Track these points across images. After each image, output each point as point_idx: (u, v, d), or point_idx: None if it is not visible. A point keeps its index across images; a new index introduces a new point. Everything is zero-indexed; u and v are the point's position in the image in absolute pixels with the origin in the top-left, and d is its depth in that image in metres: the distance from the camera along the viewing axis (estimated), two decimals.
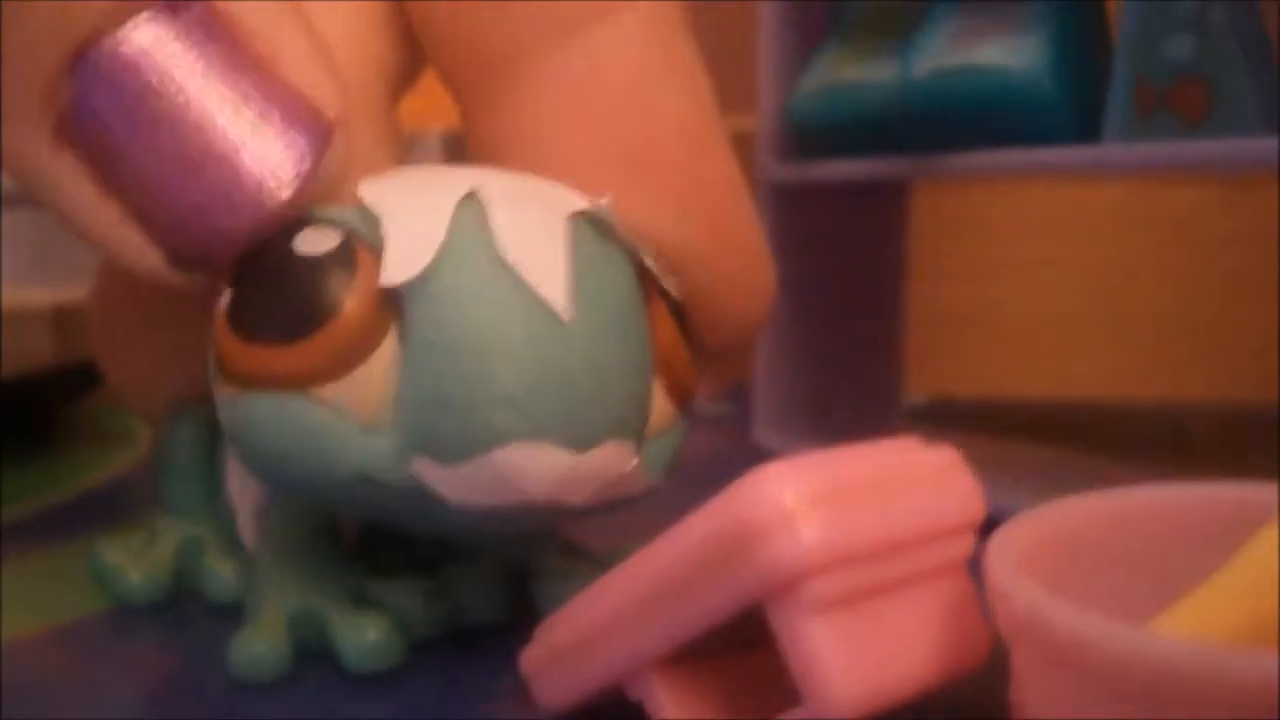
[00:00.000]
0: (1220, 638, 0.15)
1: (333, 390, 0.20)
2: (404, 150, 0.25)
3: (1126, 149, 0.29)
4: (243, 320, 0.21)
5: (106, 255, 0.21)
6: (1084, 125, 0.31)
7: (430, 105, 0.32)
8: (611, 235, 0.22)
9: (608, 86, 0.23)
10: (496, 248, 0.20)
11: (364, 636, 0.23)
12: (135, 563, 0.27)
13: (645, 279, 0.22)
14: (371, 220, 0.21)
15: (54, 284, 0.50)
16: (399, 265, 0.20)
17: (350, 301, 0.20)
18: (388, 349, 0.20)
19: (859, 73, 0.37)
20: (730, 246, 0.24)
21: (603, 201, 0.22)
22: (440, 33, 0.24)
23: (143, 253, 0.21)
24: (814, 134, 0.39)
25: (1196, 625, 0.16)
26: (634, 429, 0.21)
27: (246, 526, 0.25)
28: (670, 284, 0.23)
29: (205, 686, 0.22)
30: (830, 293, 0.42)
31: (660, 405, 0.22)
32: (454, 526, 0.22)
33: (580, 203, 0.21)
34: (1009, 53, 0.32)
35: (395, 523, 0.23)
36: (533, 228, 0.20)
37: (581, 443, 0.20)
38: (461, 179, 0.21)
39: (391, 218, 0.21)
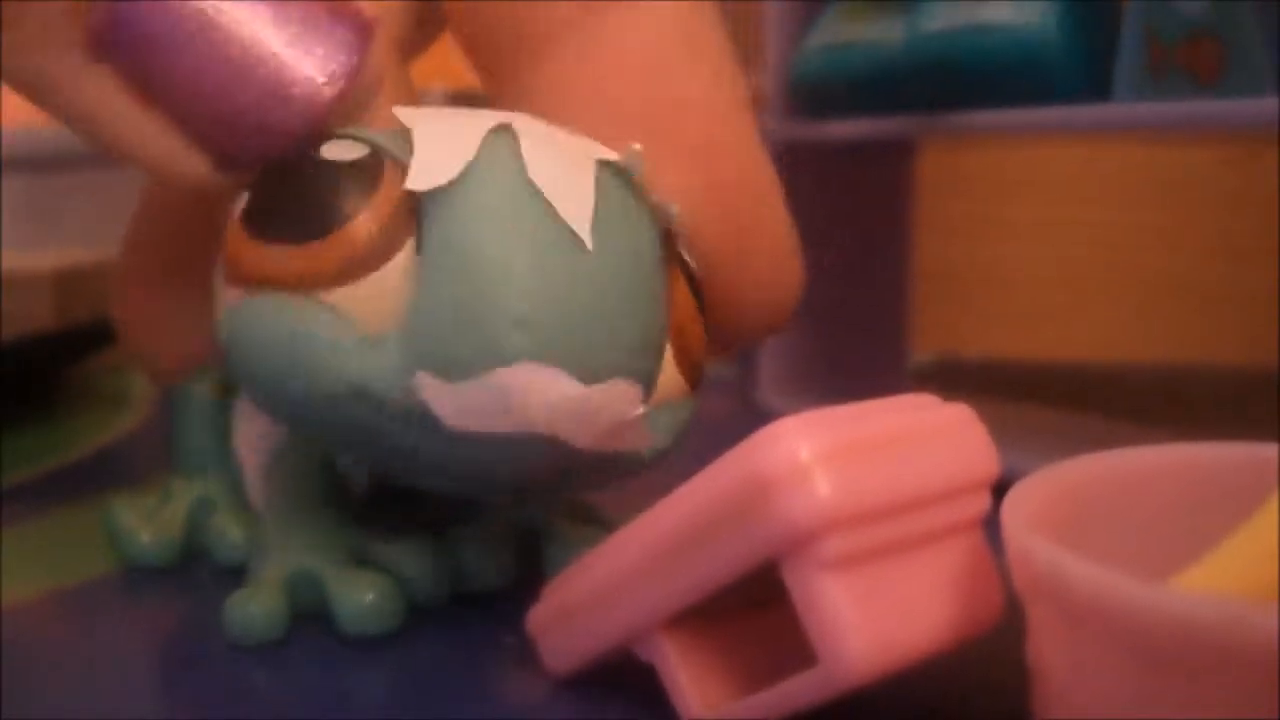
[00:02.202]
0: (1241, 596, 0.15)
1: (340, 295, 0.20)
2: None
3: (1136, 107, 0.29)
4: (256, 220, 0.20)
5: (150, 168, 0.21)
6: (1093, 84, 0.31)
7: (436, 67, 0.31)
8: (638, 189, 0.21)
9: (632, 67, 0.23)
10: (526, 171, 0.20)
11: (360, 598, 0.22)
12: (147, 524, 0.27)
13: (668, 242, 0.22)
14: (402, 138, 0.20)
15: (54, 248, 0.50)
16: (426, 172, 0.20)
17: (368, 208, 0.20)
18: (403, 260, 0.20)
19: (865, 31, 0.37)
20: (750, 234, 0.24)
21: (636, 148, 0.21)
22: (469, 12, 0.24)
23: (189, 160, 0.21)
24: (820, 93, 0.39)
25: (1214, 584, 0.15)
26: (644, 373, 0.21)
27: (252, 485, 0.25)
28: (691, 257, 0.23)
29: (203, 649, 0.22)
30: (837, 252, 0.41)
31: (670, 373, 0.22)
32: (445, 462, 0.21)
33: (609, 154, 0.21)
34: (1016, 10, 0.32)
35: (380, 458, 0.22)
36: (563, 161, 0.20)
37: (591, 374, 0.19)
38: (494, 116, 0.21)
39: (423, 130, 0.20)
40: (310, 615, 0.23)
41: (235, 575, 0.24)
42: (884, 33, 0.36)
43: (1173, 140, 0.55)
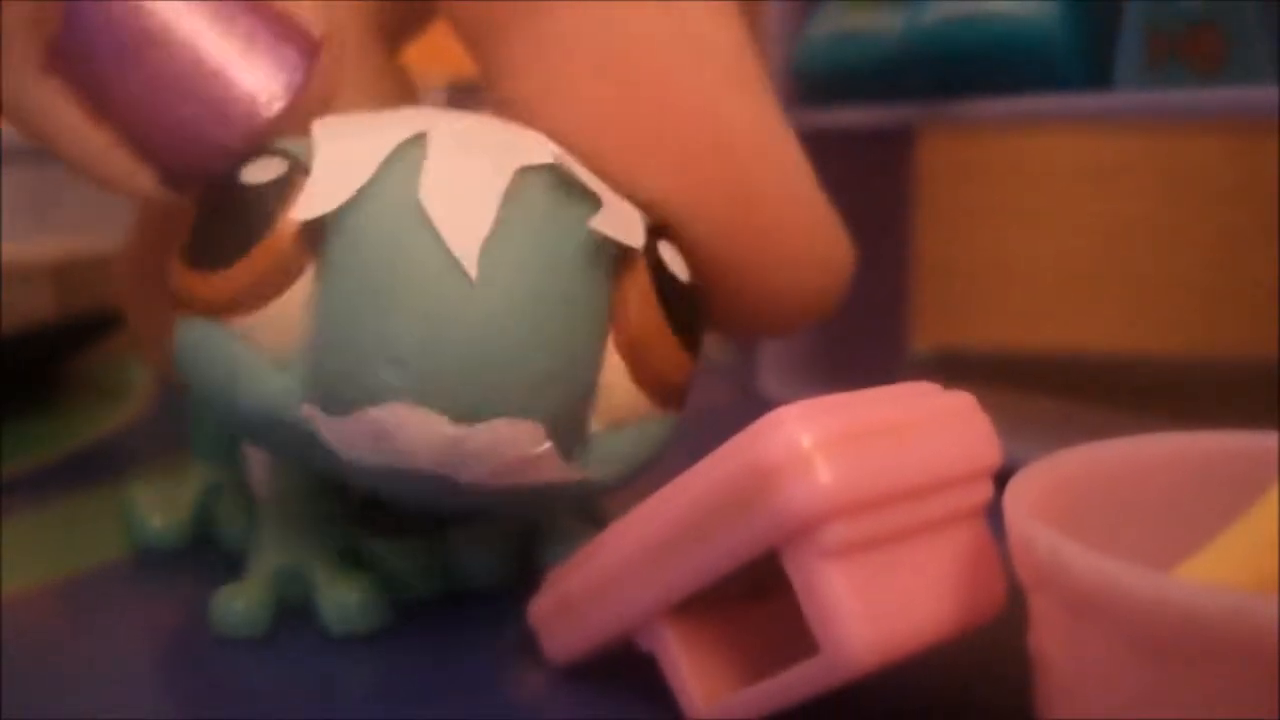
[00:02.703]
0: (1242, 587, 0.15)
1: (248, 323, 0.20)
2: (412, 99, 0.25)
3: (1137, 96, 0.29)
4: (187, 246, 0.21)
5: (99, 181, 0.21)
6: (1093, 74, 0.30)
7: (436, 55, 0.31)
8: (569, 192, 0.20)
9: (625, 52, 0.22)
10: (418, 194, 0.19)
11: (345, 597, 0.22)
12: (159, 510, 0.27)
13: (630, 253, 0.21)
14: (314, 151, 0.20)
15: (54, 239, 0.50)
16: (316, 199, 0.19)
17: (272, 233, 0.20)
18: (305, 286, 0.20)
19: (867, 20, 0.36)
20: (759, 217, 0.22)
21: (565, 157, 0.20)
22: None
23: (134, 175, 0.21)
24: (822, 82, 0.39)
25: (1215, 575, 0.15)
26: (546, 410, 0.19)
27: (255, 476, 0.25)
28: (674, 260, 0.21)
29: (203, 640, 0.22)
30: None
31: (626, 392, 0.21)
32: (363, 483, 0.21)
33: (542, 155, 0.20)
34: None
35: (316, 468, 0.22)
36: (469, 177, 0.19)
37: (466, 414, 0.19)
38: (422, 122, 0.20)
39: (325, 151, 0.20)
40: (299, 609, 0.23)
41: (241, 564, 0.24)
42: (885, 22, 0.36)
43: (1174, 131, 0.55)
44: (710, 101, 0.22)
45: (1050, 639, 0.15)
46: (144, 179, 0.21)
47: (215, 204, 0.21)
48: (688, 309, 0.22)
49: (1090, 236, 0.58)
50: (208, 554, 0.26)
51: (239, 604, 0.22)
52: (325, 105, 0.21)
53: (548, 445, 0.19)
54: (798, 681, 0.17)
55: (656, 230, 0.21)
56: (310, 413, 0.19)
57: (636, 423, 0.21)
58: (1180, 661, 0.13)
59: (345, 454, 0.20)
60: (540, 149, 0.20)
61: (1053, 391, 0.41)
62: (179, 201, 0.21)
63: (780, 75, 0.40)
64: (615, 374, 0.21)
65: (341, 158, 0.20)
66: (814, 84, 0.39)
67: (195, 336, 0.20)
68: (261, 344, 0.20)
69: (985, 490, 0.18)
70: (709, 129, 0.22)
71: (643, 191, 0.21)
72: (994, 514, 0.17)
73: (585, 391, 0.20)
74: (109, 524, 0.28)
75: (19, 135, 0.21)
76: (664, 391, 0.21)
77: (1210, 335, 0.55)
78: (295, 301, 0.20)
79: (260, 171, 0.20)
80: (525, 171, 0.20)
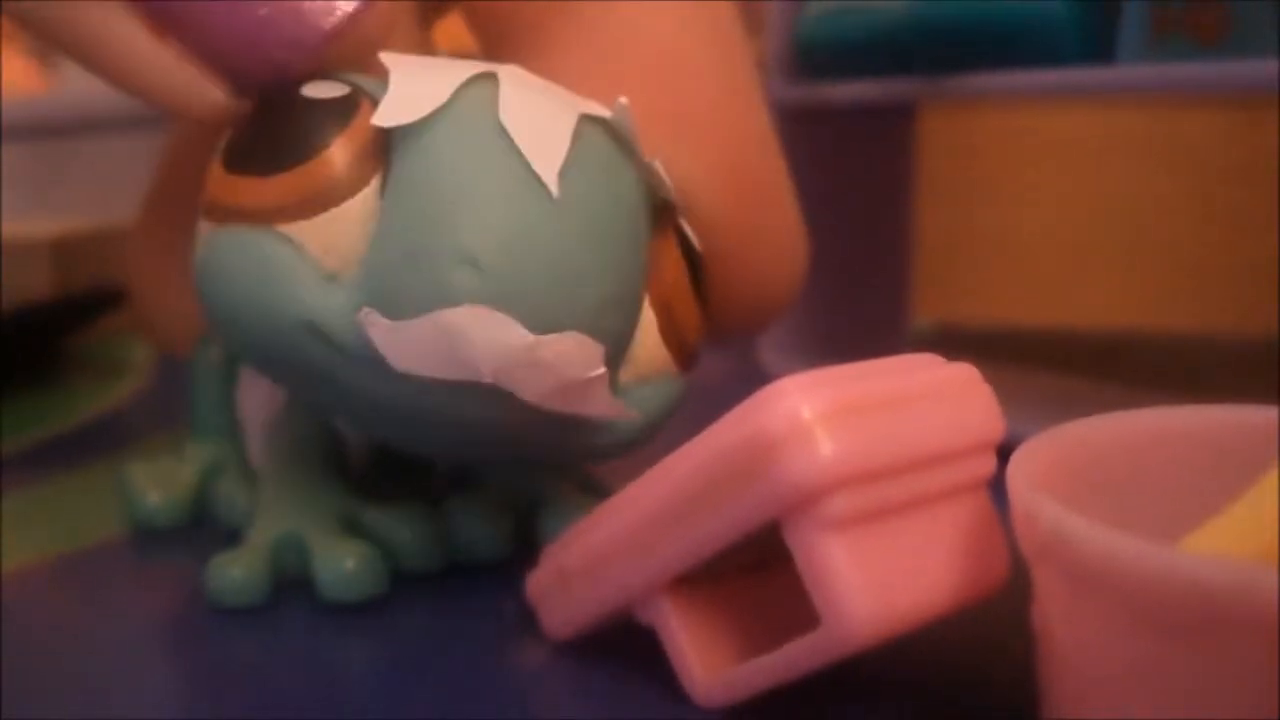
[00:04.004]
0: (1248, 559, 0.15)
1: (302, 229, 0.20)
2: None
3: (1138, 70, 0.29)
4: (232, 154, 0.21)
5: (168, 100, 0.21)
6: (1096, 49, 0.30)
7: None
8: (627, 151, 0.21)
9: (639, 47, 0.23)
10: (499, 115, 0.19)
11: (341, 565, 0.22)
12: (157, 486, 0.27)
13: (663, 213, 0.22)
14: (384, 82, 0.20)
15: (53, 217, 0.50)
16: (394, 110, 0.20)
17: (336, 144, 0.20)
18: (367, 197, 0.20)
19: None
20: (758, 212, 0.23)
21: (623, 102, 0.21)
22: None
23: (202, 90, 0.21)
24: (823, 56, 0.39)
25: (1219, 550, 0.15)
26: (608, 332, 0.20)
27: (254, 449, 0.25)
28: (692, 233, 0.22)
29: (190, 618, 0.22)
30: (838, 217, 0.41)
31: (653, 348, 0.21)
32: (395, 408, 0.21)
33: (597, 109, 0.21)
34: None
35: (334, 403, 0.22)
36: (542, 110, 0.20)
37: (542, 323, 0.19)
38: (490, 66, 0.21)
39: (402, 71, 0.20)
40: (298, 579, 0.23)
41: (238, 540, 0.24)
42: None
43: (1175, 107, 0.55)
44: (727, 97, 0.23)
45: (1053, 612, 0.15)
46: (216, 92, 0.21)
47: (271, 112, 0.21)
48: (701, 278, 0.22)
49: (1091, 212, 0.58)
50: (206, 531, 0.26)
51: (236, 572, 0.22)
52: (383, 32, 0.21)
53: (603, 370, 0.20)
54: (799, 655, 0.16)
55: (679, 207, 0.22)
56: (370, 317, 0.19)
57: (659, 379, 0.22)
58: (1183, 634, 0.13)
59: (400, 364, 0.19)
60: (598, 106, 0.21)
61: (1052, 367, 0.41)
62: (192, 180, 0.21)
63: (781, 48, 0.40)
64: (647, 328, 0.21)
65: (418, 79, 0.20)
66: (815, 57, 0.39)
67: (234, 243, 0.20)
68: (311, 251, 0.20)
69: (988, 463, 0.18)
70: (724, 121, 0.23)
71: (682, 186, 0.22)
72: (996, 487, 0.17)
73: (630, 329, 0.21)
74: (107, 501, 0.28)
75: (20, 111, 0.21)
76: (684, 352, 0.22)
77: (1211, 311, 0.55)
78: (353, 213, 0.20)
79: (323, 89, 0.20)
80: (587, 118, 0.20)
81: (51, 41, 0.20)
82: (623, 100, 0.21)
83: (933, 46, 0.34)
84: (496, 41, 0.24)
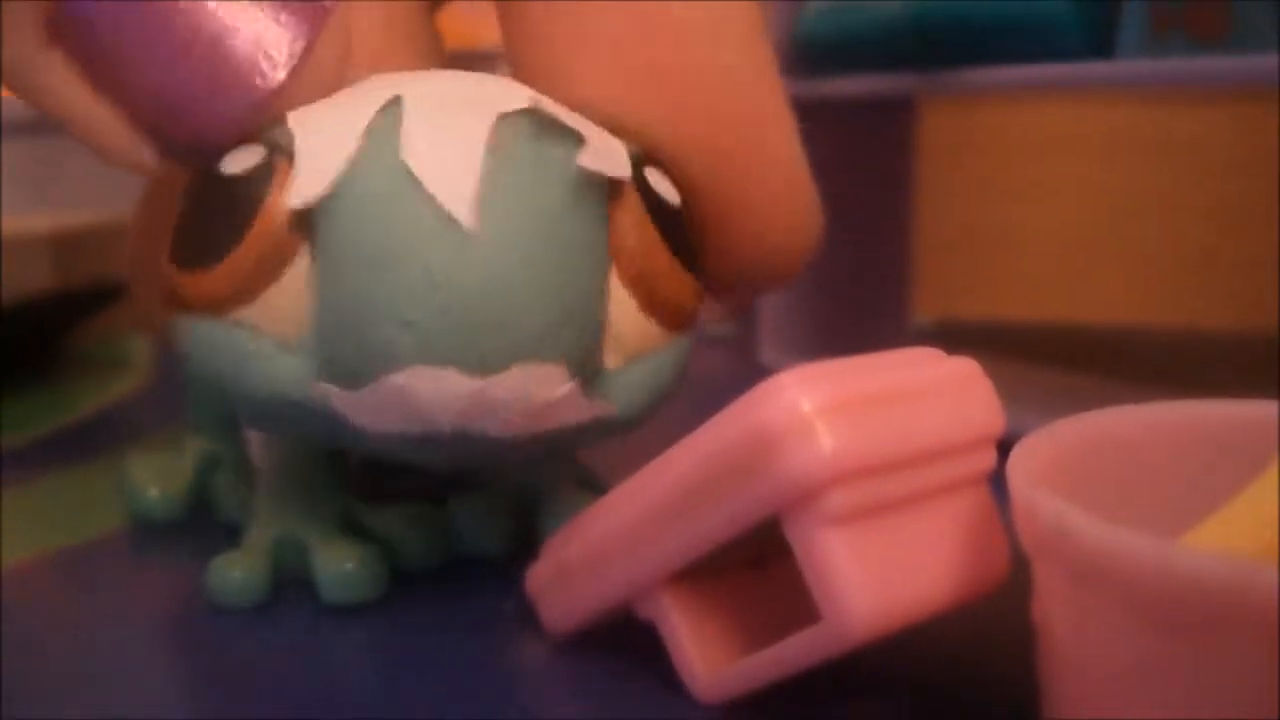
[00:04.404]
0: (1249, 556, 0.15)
1: (250, 312, 0.20)
2: (442, 61, 0.24)
3: (1138, 65, 0.29)
4: (175, 248, 0.21)
5: (99, 152, 0.21)
6: (1097, 45, 0.30)
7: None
8: (550, 132, 0.20)
9: (646, 14, 0.22)
10: (401, 156, 0.19)
11: (340, 566, 0.22)
12: (156, 480, 0.27)
13: (619, 184, 0.20)
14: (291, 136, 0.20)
15: (53, 212, 0.50)
16: (305, 185, 0.19)
17: (260, 219, 0.19)
18: (301, 266, 0.19)
19: None
20: (752, 154, 0.23)
21: (541, 99, 0.20)
22: None
23: (136, 149, 0.21)
24: (823, 50, 0.39)
25: (1220, 547, 0.15)
26: (562, 351, 0.19)
27: (253, 447, 0.25)
28: (663, 186, 0.21)
29: (189, 614, 0.22)
30: (838, 211, 0.41)
31: (637, 323, 0.21)
32: (381, 452, 0.21)
33: (520, 100, 0.20)
34: None
35: (333, 446, 0.22)
36: (449, 133, 0.19)
37: (485, 366, 0.19)
38: (395, 87, 0.20)
39: (305, 134, 0.20)
40: (298, 579, 0.23)
41: (239, 535, 0.24)
42: None
43: (1175, 103, 0.55)
44: (712, 45, 0.22)
45: (1053, 607, 0.15)
46: (145, 152, 0.21)
47: (197, 199, 0.20)
48: (682, 231, 0.21)
49: (1091, 208, 0.58)
50: (206, 526, 0.26)
51: (236, 572, 0.22)
52: (337, 75, 0.21)
53: (570, 385, 0.19)
54: (799, 650, 0.16)
55: (641, 160, 0.21)
56: (324, 389, 0.19)
57: (651, 353, 0.21)
58: (1183, 630, 0.13)
59: (364, 426, 0.19)
60: (515, 94, 0.20)
61: (1053, 362, 0.41)
62: (181, 175, 0.21)
63: (782, 43, 0.40)
64: (623, 308, 0.21)
65: (321, 138, 0.19)
66: (816, 53, 0.39)
67: (198, 334, 0.20)
68: (265, 330, 0.20)
69: (988, 458, 0.18)
70: (707, 68, 0.22)
71: (648, 134, 0.22)
72: (997, 482, 0.17)
73: (595, 327, 0.20)
74: (107, 496, 0.28)
75: (19, 108, 0.21)
76: (675, 316, 0.21)
77: (1211, 306, 0.55)
78: (294, 284, 0.19)
79: (239, 161, 0.20)
80: (504, 119, 0.19)
81: (6, 79, 0.20)
82: (542, 98, 0.20)
83: (934, 43, 0.34)
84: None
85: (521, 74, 0.22)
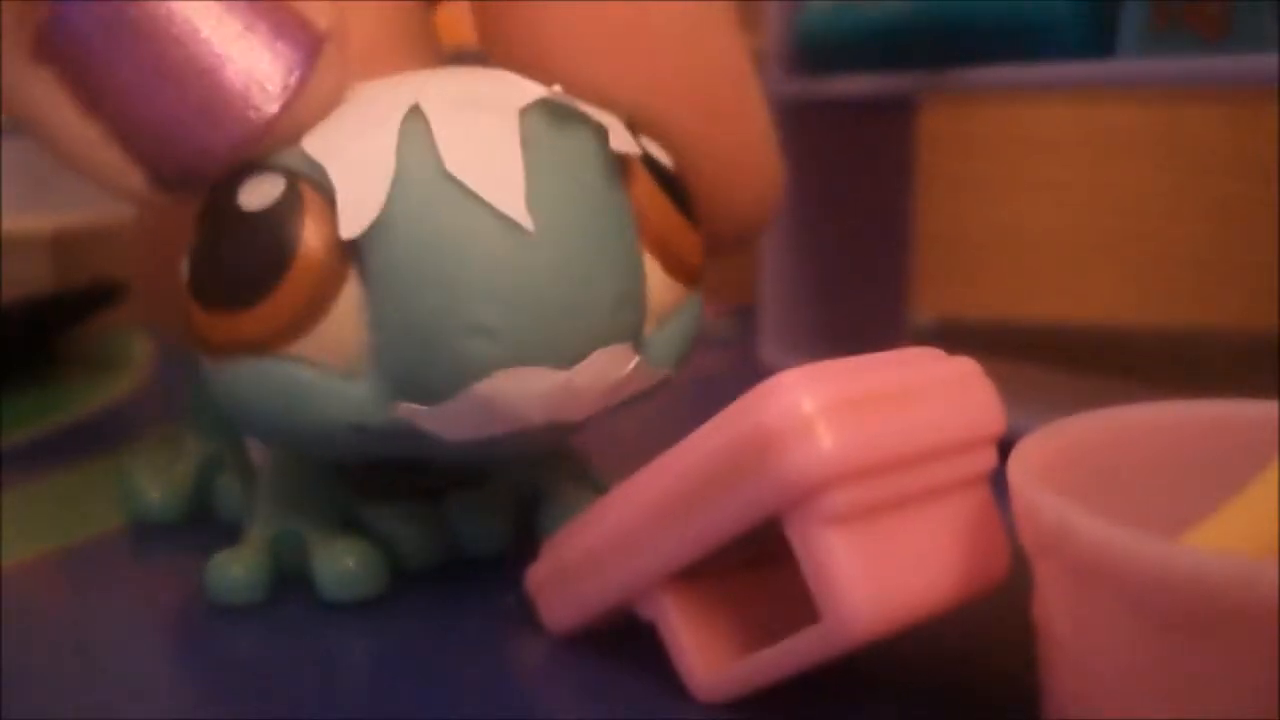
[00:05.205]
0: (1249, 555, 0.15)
1: (303, 346, 0.20)
2: (440, 60, 0.24)
3: (1138, 63, 0.29)
4: (202, 288, 0.20)
5: (89, 177, 0.20)
6: (1097, 44, 0.30)
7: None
8: (572, 120, 0.20)
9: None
10: (444, 165, 0.19)
11: (341, 564, 0.22)
12: (156, 481, 0.27)
13: (626, 159, 0.21)
14: (316, 165, 0.20)
15: (53, 211, 0.50)
16: (353, 214, 0.19)
17: (301, 254, 0.19)
18: (351, 293, 0.19)
19: None
20: (725, 125, 0.23)
21: (555, 87, 0.20)
22: None
23: (124, 174, 0.20)
24: (824, 50, 0.39)
25: (1220, 545, 0.15)
26: (627, 329, 0.20)
27: (254, 446, 0.25)
28: (657, 151, 0.22)
29: (189, 614, 0.22)
30: (838, 211, 0.41)
31: (664, 286, 0.21)
32: (462, 456, 0.21)
33: (534, 92, 0.20)
34: None
35: (406, 459, 0.22)
36: (482, 135, 0.19)
37: (569, 358, 0.19)
38: (407, 92, 0.20)
39: (336, 162, 0.20)
40: (298, 577, 0.23)
41: (238, 535, 0.24)
42: None
43: (1175, 102, 0.55)
44: (696, 35, 0.23)
45: (1055, 606, 0.15)
46: (134, 179, 0.20)
47: (221, 236, 0.20)
48: (684, 192, 0.22)
49: (1091, 207, 0.58)
50: (206, 525, 0.26)
51: (235, 570, 0.22)
52: (331, 105, 0.20)
53: (637, 359, 0.20)
54: (799, 650, 0.16)
55: (635, 130, 0.22)
56: (409, 409, 0.19)
57: (675, 313, 0.22)
58: (1184, 628, 0.13)
59: (451, 436, 0.20)
60: (527, 86, 0.20)
61: (1053, 361, 0.41)
62: (170, 203, 0.21)
63: (782, 43, 0.40)
64: (653, 274, 0.21)
65: (354, 162, 0.19)
66: (816, 52, 0.39)
67: (247, 376, 0.20)
68: (325, 361, 0.20)
69: (989, 457, 0.18)
70: (681, 33, 0.22)
71: (629, 102, 0.22)
72: (997, 482, 0.17)
73: (643, 298, 0.21)
74: (107, 496, 0.28)
75: None
76: (691, 273, 0.22)
77: (1211, 305, 0.55)
78: (345, 312, 0.19)
79: (259, 194, 0.20)
80: (526, 113, 0.20)
81: None
82: (556, 87, 0.20)
83: (934, 42, 0.34)
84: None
85: (502, 60, 0.22)
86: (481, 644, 0.21)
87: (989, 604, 0.18)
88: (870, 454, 0.16)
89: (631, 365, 0.20)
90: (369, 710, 0.18)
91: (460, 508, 0.24)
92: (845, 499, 0.15)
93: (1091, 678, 0.15)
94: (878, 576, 0.16)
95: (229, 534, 0.24)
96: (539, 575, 0.20)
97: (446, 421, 0.19)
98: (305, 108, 0.20)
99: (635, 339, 0.20)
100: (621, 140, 0.21)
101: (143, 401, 0.40)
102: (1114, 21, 0.29)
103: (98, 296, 0.45)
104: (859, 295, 0.42)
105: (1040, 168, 0.58)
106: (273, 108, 0.20)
